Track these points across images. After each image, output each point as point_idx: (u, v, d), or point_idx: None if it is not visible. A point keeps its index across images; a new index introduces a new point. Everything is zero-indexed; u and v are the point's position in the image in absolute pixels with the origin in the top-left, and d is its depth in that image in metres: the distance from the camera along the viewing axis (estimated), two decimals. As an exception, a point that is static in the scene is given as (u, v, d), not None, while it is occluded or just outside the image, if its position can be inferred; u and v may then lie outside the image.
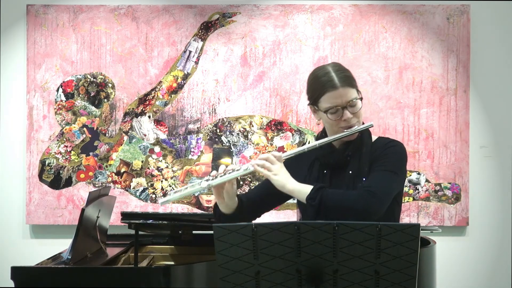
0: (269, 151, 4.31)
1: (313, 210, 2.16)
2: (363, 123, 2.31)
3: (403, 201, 4.52)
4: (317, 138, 2.39)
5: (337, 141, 2.31)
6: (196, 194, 4.45)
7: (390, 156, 2.27)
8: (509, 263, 4.55)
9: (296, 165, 2.35)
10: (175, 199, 2.30)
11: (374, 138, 2.38)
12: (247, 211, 2.35)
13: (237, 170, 2.25)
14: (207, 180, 2.25)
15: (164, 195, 2.12)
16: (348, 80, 2.27)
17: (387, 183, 2.22)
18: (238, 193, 2.37)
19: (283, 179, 2.23)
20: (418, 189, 4.49)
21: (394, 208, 2.31)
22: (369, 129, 2.34)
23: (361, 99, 2.28)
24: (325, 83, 2.25)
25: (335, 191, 2.20)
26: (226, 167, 2.28)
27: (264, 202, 2.43)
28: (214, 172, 2.27)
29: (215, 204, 2.36)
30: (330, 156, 2.31)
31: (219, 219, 2.36)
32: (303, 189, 2.21)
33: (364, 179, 2.24)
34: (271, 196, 2.37)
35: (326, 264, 1.75)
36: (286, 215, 4.38)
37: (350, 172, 2.27)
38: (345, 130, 2.26)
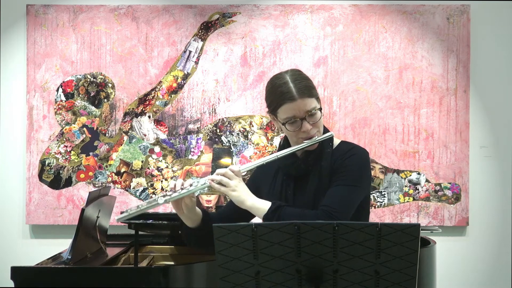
0: (270, 151, 4.33)
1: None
2: (325, 132, 2.27)
3: (403, 200, 4.54)
4: (279, 146, 2.37)
5: (298, 150, 2.27)
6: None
7: (349, 167, 2.22)
8: (509, 263, 4.55)
9: (261, 174, 2.33)
10: (133, 215, 2.25)
11: (337, 142, 2.33)
12: (213, 222, 2.30)
13: (194, 185, 2.21)
14: (164, 196, 2.21)
15: (122, 212, 2.12)
16: (306, 90, 2.21)
17: (346, 199, 2.18)
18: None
19: (241, 195, 2.19)
20: (418, 189, 4.49)
21: (359, 215, 2.26)
22: (332, 137, 2.29)
23: (320, 109, 2.23)
24: (283, 94, 2.19)
25: (293, 210, 2.16)
26: (183, 182, 2.23)
27: (235, 216, 2.34)
28: (171, 187, 2.23)
29: (181, 222, 2.33)
30: (291, 167, 2.28)
31: (186, 235, 2.33)
32: (262, 207, 2.18)
33: (322, 191, 2.21)
34: (240, 211, 2.28)
35: (326, 264, 1.75)
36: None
37: (312, 184, 2.24)
38: (304, 141, 2.22)
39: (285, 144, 2.33)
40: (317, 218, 2.11)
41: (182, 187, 2.22)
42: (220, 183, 2.19)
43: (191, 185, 2.22)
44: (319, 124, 2.24)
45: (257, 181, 2.35)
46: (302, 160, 2.28)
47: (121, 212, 2.28)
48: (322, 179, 2.23)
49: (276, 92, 2.22)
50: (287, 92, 2.19)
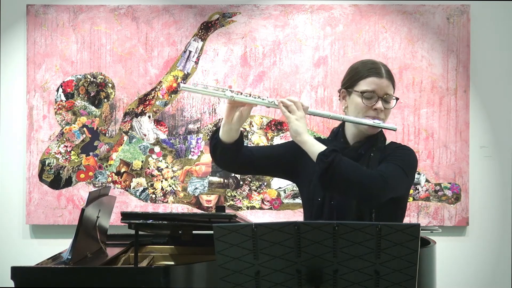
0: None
1: (322, 167, 2.12)
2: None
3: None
4: (332, 133, 2.41)
5: (353, 137, 2.33)
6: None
7: (402, 155, 2.28)
8: (509, 263, 4.55)
9: (308, 157, 2.29)
10: (195, 91, 2.29)
11: (386, 142, 2.39)
12: (243, 153, 2.36)
13: (263, 99, 2.27)
14: (232, 91, 2.25)
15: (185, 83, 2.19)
16: (392, 77, 2.36)
17: (397, 176, 2.21)
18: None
19: (302, 126, 2.22)
20: (418, 189, 4.49)
21: (396, 212, 2.28)
22: (384, 134, 2.36)
23: (397, 99, 2.34)
24: (372, 69, 2.31)
25: (350, 160, 2.18)
26: (251, 92, 2.29)
27: (262, 163, 2.43)
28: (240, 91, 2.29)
29: (215, 130, 2.36)
30: (342, 151, 2.26)
31: (215, 145, 2.33)
32: (317, 145, 2.19)
33: None
34: (270, 161, 2.38)
35: (326, 264, 1.75)
36: (286, 215, 4.37)
37: None
38: (371, 120, 2.27)
39: (338, 130, 2.38)
40: (371, 176, 2.13)
41: (250, 94, 2.28)
42: (288, 108, 2.23)
43: (259, 96, 2.28)
44: (388, 113, 2.34)
45: (299, 152, 2.30)
46: (353, 148, 2.32)
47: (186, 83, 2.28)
48: (370, 167, 2.25)
49: (366, 66, 2.34)
50: (377, 68, 2.32)
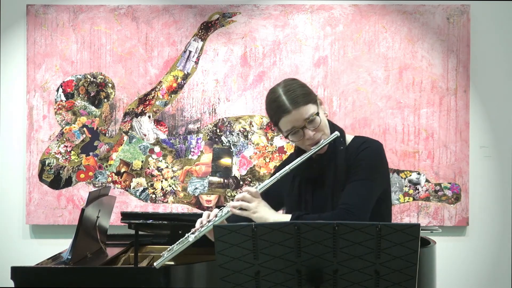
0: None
1: None
2: (333, 130, 2.26)
3: (403, 200, 4.53)
4: (295, 152, 2.37)
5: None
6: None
7: (362, 162, 2.22)
8: (509, 263, 4.55)
9: (279, 184, 2.30)
10: (169, 258, 2.28)
11: (350, 138, 2.34)
12: None
13: (219, 216, 2.21)
14: (193, 234, 2.22)
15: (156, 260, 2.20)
16: (300, 98, 2.20)
17: (364, 194, 2.19)
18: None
19: (263, 215, 2.20)
20: (418, 189, 4.49)
21: (380, 208, 2.26)
22: (344, 131, 2.31)
23: (317, 113, 2.22)
24: (278, 109, 2.21)
25: (312, 217, 2.17)
26: (209, 214, 2.24)
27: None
28: (198, 224, 2.25)
29: None
30: (307, 171, 2.28)
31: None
32: (283, 220, 2.20)
33: (340, 189, 2.22)
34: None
35: (326, 264, 1.75)
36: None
37: (330, 184, 2.24)
38: (312, 148, 2.22)
39: (298, 150, 2.34)
40: (337, 218, 2.11)
41: (208, 219, 2.24)
42: (240, 208, 2.21)
43: (216, 215, 2.23)
44: (322, 127, 2.23)
45: (276, 185, 2.31)
46: (316, 162, 2.28)
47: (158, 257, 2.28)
48: (337, 177, 2.24)
49: (272, 107, 2.24)
50: (281, 105, 2.20)
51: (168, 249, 2.29)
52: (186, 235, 2.23)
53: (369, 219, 2.20)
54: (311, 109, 2.20)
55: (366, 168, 2.22)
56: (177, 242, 2.27)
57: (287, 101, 2.20)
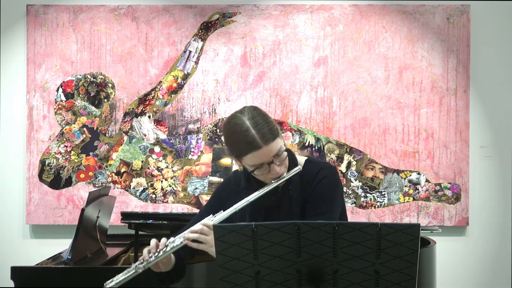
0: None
1: None
2: (291, 160, 2.19)
3: (403, 200, 4.54)
4: (237, 176, 2.29)
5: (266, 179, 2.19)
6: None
7: (321, 194, 2.17)
8: (509, 263, 4.55)
9: (228, 201, 2.22)
10: (121, 283, 2.21)
11: (301, 160, 2.25)
12: (183, 263, 2.27)
13: (170, 246, 2.12)
14: (141, 263, 2.13)
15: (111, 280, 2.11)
16: (270, 134, 2.09)
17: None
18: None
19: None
20: (418, 189, 4.49)
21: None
22: (294, 154, 2.23)
23: (286, 150, 2.14)
24: (247, 144, 2.07)
25: None
26: (158, 244, 2.14)
27: None
28: (145, 253, 2.14)
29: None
30: (262, 201, 2.18)
31: (162, 279, 2.26)
32: (283, 222, 2.11)
33: (294, 220, 2.12)
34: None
35: (326, 264, 1.75)
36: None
37: (283, 214, 2.18)
38: (273, 182, 2.13)
39: (250, 177, 2.22)
40: None
41: (158, 249, 2.13)
42: (197, 241, 2.11)
43: (166, 245, 2.13)
44: (286, 161, 2.16)
45: (222, 202, 2.25)
46: (271, 193, 2.18)
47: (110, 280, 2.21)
48: (292, 208, 2.18)
49: (238, 140, 2.09)
50: (251, 141, 2.07)
51: (118, 276, 2.20)
52: (134, 265, 2.12)
53: None
54: (279, 143, 2.11)
55: (327, 202, 2.17)
56: (126, 271, 2.16)
57: (257, 136, 2.07)
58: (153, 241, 2.14)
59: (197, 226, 2.11)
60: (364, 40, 4.49)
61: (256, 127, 2.08)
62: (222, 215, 2.14)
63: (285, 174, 2.14)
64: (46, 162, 4.47)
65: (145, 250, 2.14)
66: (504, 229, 4.56)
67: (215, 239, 1.78)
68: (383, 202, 4.48)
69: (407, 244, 1.73)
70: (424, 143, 4.49)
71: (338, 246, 1.73)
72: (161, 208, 4.47)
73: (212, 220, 2.13)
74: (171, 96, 4.50)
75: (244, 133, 2.08)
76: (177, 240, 2.12)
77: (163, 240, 2.14)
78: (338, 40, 4.49)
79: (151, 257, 2.13)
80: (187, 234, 2.12)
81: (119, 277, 2.17)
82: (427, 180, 4.49)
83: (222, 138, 2.23)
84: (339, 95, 4.47)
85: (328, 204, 2.18)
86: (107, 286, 2.16)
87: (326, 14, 4.50)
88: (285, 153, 2.14)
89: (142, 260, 2.14)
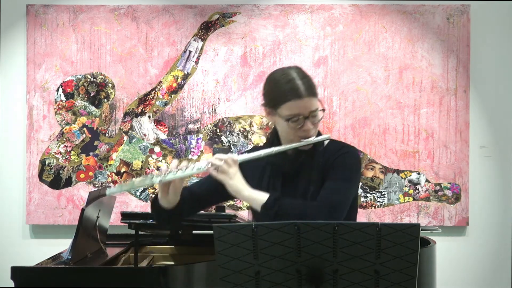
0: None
1: (268, 219, 2.08)
2: (319, 133, 2.23)
3: (403, 200, 4.53)
4: (268, 141, 2.32)
5: (289, 144, 2.22)
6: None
7: (343, 164, 2.19)
8: (509, 263, 4.55)
9: (248, 168, 2.24)
10: (124, 190, 2.22)
11: (325, 141, 2.29)
12: (187, 207, 2.26)
13: (191, 168, 2.14)
14: (158, 176, 2.15)
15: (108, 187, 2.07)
16: (313, 89, 2.17)
17: (343, 194, 2.16)
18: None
19: (239, 184, 2.15)
20: (418, 189, 4.49)
21: (350, 214, 2.24)
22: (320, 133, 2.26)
23: (323, 110, 2.20)
24: (289, 91, 2.13)
25: (293, 201, 2.14)
26: (179, 163, 2.17)
27: (208, 199, 2.36)
28: (165, 168, 2.17)
29: (155, 197, 2.27)
30: (282, 164, 2.23)
31: (158, 214, 2.26)
32: (259, 198, 2.14)
33: (311, 188, 2.18)
34: (216, 194, 2.28)
35: (326, 264, 1.75)
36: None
37: (302, 181, 2.20)
38: (302, 140, 2.17)
39: (274, 139, 2.28)
40: (318, 209, 2.09)
41: (177, 168, 2.16)
42: (218, 170, 2.15)
43: (187, 167, 2.15)
44: (318, 125, 2.21)
45: (242, 172, 2.24)
46: (293, 158, 2.24)
47: (110, 186, 2.22)
48: (312, 177, 2.20)
49: (282, 88, 2.15)
50: (295, 89, 2.13)
51: (128, 180, 2.22)
52: (152, 174, 2.16)
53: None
54: (317, 103, 2.17)
55: (346, 170, 2.19)
56: (141, 177, 2.21)
57: (302, 86, 2.14)
58: (175, 161, 2.19)
59: (223, 156, 2.15)
60: (364, 40, 4.49)
61: (301, 79, 2.15)
62: (247, 156, 2.19)
63: (313, 139, 2.18)
64: (46, 162, 4.47)
65: (164, 166, 2.18)
66: (504, 229, 4.56)
67: (215, 239, 1.78)
68: (383, 202, 4.48)
69: (407, 244, 1.73)
70: (424, 143, 4.49)
71: (338, 246, 1.73)
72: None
73: (238, 157, 2.17)
74: (171, 96, 4.50)
75: (290, 81, 2.14)
76: (199, 164, 2.15)
77: (185, 162, 2.18)
78: (338, 40, 4.49)
79: (170, 171, 2.14)
80: (212, 159, 2.15)
81: (135, 181, 2.21)
82: (427, 180, 4.49)
83: (262, 89, 2.25)
84: (339, 95, 4.47)
85: (349, 173, 2.20)
86: (110, 191, 2.19)
87: (326, 14, 4.50)
88: (321, 115, 2.19)
89: (161, 171, 2.16)
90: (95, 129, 4.49)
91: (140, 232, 3.01)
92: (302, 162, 2.23)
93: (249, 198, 2.16)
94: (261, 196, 2.14)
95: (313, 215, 2.05)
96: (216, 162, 2.15)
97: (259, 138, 4.48)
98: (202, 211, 3.04)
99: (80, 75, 4.50)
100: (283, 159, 2.23)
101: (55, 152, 4.48)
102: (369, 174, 4.48)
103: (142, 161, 4.49)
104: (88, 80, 4.50)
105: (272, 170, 2.25)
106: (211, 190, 2.30)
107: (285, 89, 2.14)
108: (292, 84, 2.14)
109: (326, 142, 2.27)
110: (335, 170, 2.19)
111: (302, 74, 2.18)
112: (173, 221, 2.33)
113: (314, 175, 2.21)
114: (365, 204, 4.47)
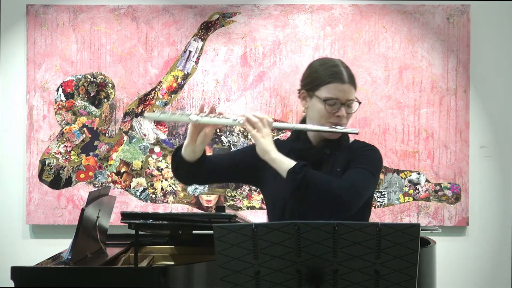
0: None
1: (294, 185, 2.11)
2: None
3: (403, 200, 4.53)
4: (294, 133, 2.37)
5: (315, 137, 2.30)
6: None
7: (367, 157, 2.26)
8: (509, 263, 4.56)
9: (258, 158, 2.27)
10: (161, 119, 2.26)
11: (350, 140, 2.36)
12: (205, 169, 2.29)
13: (227, 118, 2.22)
14: (197, 115, 2.22)
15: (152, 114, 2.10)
16: (354, 79, 2.27)
17: (366, 181, 2.21)
18: (232, 187, 2.34)
19: (269, 144, 2.18)
20: (418, 189, 4.49)
21: (364, 210, 2.27)
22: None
23: (359, 102, 2.28)
24: (334, 74, 2.23)
25: (321, 173, 2.17)
26: (216, 109, 2.25)
27: (223, 173, 2.39)
28: (200, 108, 2.24)
29: (177, 148, 2.30)
30: (306, 152, 2.27)
31: (178, 165, 2.29)
32: (286, 162, 2.16)
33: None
34: (233, 171, 2.34)
35: (326, 264, 1.75)
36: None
37: (323, 172, 2.22)
38: (333, 126, 2.23)
39: (300, 134, 2.33)
40: (344, 188, 2.12)
41: (214, 113, 2.23)
42: (253, 125, 2.19)
43: (224, 116, 2.24)
44: (350, 117, 2.28)
45: (258, 158, 2.26)
46: (317, 148, 2.28)
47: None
48: (334, 169, 2.24)
49: (327, 70, 2.24)
50: (339, 73, 2.23)
51: (166, 111, 2.24)
52: (189, 111, 2.24)
53: (353, 218, 2.17)
54: (355, 94, 2.26)
55: (369, 162, 2.25)
56: (179, 112, 2.27)
57: (345, 73, 2.24)
58: (212, 106, 2.28)
59: (260, 114, 2.20)
60: (364, 40, 4.50)
61: (345, 68, 2.27)
62: (281, 124, 2.29)
63: (344, 129, 2.24)
64: (46, 162, 4.47)
65: (200, 107, 2.27)
66: (504, 229, 4.56)
67: (215, 239, 1.78)
68: (383, 202, 4.48)
69: (407, 244, 1.73)
70: (424, 143, 4.49)
71: (338, 246, 1.73)
72: (161, 208, 4.47)
73: (272, 121, 2.21)
74: (171, 96, 4.50)
75: (335, 66, 2.26)
76: (236, 116, 2.22)
77: (223, 112, 2.27)
78: (338, 40, 4.49)
79: (207, 115, 2.23)
80: (249, 115, 2.20)
81: (175, 112, 2.25)
82: (427, 180, 4.49)
83: (302, 75, 2.34)
84: (339, 95, 4.47)
85: (371, 165, 2.25)
86: (148, 116, 2.25)
87: (326, 14, 4.50)
88: (355, 107, 2.26)
89: (198, 112, 2.24)
90: (95, 129, 4.49)
91: (140, 232, 3.01)
92: (326, 153, 2.27)
93: (276, 159, 2.18)
94: (288, 161, 2.17)
95: (337, 191, 2.10)
96: (253, 118, 2.20)
97: (259, 138, 4.47)
98: (202, 211, 3.04)
99: (80, 75, 4.50)
100: (307, 148, 2.28)
101: (55, 152, 4.48)
102: (369, 174, 4.48)
103: (142, 161, 4.49)
104: (88, 80, 4.50)
105: (295, 158, 2.26)
106: (230, 165, 2.36)
107: (329, 72, 2.24)
108: (337, 69, 2.25)
109: (351, 140, 2.33)
110: (360, 159, 2.24)
111: (345, 65, 2.30)
112: (190, 177, 2.35)
113: (336, 166, 2.24)
114: (365, 204, 4.47)
